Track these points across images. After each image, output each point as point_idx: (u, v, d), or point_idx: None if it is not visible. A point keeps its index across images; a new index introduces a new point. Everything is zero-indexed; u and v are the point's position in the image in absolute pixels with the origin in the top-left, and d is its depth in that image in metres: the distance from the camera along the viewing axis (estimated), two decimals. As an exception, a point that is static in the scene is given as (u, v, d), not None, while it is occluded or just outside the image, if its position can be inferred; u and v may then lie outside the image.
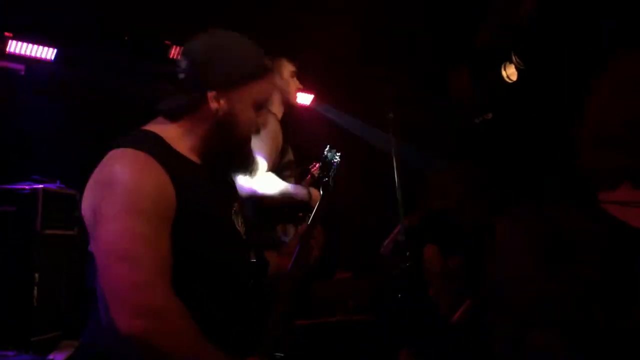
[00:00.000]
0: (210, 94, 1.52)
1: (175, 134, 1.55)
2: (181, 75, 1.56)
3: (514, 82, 4.58)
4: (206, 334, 1.39)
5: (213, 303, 1.50)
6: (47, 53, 4.53)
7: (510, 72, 4.62)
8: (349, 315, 4.38)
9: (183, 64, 1.56)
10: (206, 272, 1.49)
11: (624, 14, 3.43)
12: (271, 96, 1.63)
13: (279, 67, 2.97)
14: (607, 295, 1.10)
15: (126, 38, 4.71)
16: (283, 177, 2.87)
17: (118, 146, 1.47)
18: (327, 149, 2.19)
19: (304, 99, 5.63)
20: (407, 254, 3.33)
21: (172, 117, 1.57)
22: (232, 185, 1.75)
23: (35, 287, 3.96)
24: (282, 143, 2.90)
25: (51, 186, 4.21)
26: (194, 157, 1.57)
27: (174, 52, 4.92)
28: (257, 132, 1.64)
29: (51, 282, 4.09)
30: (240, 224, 1.63)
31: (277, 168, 2.82)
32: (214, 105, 1.53)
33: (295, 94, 3.05)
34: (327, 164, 2.14)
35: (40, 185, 4.12)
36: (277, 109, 2.98)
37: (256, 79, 1.58)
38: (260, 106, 1.61)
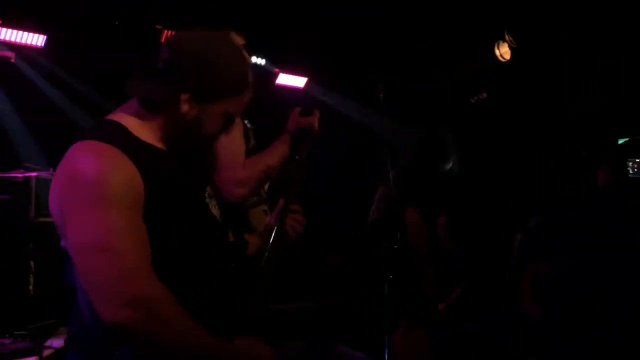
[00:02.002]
0: (184, 97, 1.48)
1: (140, 124, 1.51)
2: (161, 64, 1.50)
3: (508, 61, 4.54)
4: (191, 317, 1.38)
5: (194, 287, 1.48)
6: (36, 40, 4.50)
7: (503, 51, 4.57)
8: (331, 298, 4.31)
9: (166, 54, 1.50)
10: (185, 257, 1.48)
11: None
12: (244, 108, 1.59)
13: None
14: None
15: (116, 23, 4.67)
16: None
17: (81, 138, 1.43)
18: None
19: (298, 81, 5.60)
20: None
21: (144, 105, 1.52)
22: (203, 170, 1.72)
23: (31, 275, 3.98)
24: (244, 128, 2.80)
25: (44, 174, 4.20)
26: (159, 145, 1.54)
27: (165, 36, 4.89)
28: (218, 136, 1.60)
29: (47, 270, 4.09)
30: (214, 207, 1.61)
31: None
32: (184, 107, 1.49)
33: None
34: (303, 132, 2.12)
35: (34, 174, 4.12)
36: None
37: (234, 95, 1.54)
38: (231, 117, 1.57)
